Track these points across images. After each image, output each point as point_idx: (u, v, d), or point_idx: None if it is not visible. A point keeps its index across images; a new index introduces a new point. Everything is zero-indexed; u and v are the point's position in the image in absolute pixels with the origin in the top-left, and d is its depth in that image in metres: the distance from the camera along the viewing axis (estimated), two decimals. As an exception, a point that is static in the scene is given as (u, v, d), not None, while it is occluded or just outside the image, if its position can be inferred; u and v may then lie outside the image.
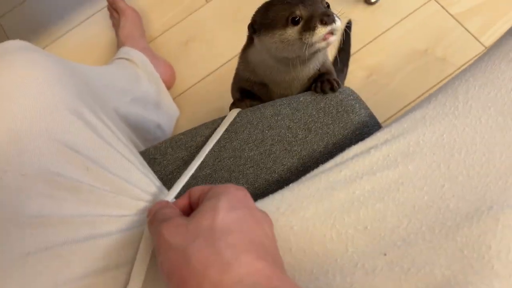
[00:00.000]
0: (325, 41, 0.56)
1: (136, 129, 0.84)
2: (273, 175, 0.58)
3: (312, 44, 0.56)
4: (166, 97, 1.08)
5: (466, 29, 1.14)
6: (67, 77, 0.57)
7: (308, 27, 0.55)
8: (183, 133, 0.64)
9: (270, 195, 0.47)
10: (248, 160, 0.59)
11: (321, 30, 0.55)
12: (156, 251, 0.35)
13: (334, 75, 0.65)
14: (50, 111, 0.51)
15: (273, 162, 0.59)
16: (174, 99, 1.16)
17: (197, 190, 0.40)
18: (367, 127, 0.59)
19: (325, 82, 0.62)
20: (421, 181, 0.41)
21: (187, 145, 0.62)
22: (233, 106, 0.68)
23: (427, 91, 1.12)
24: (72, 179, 0.48)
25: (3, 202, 0.45)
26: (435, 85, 1.12)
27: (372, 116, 0.60)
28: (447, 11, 1.17)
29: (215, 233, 0.33)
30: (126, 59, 1.03)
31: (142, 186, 0.53)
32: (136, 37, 1.13)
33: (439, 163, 0.42)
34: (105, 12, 1.27)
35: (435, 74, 1.13)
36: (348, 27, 1.15)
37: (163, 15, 1.28)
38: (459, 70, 1.12)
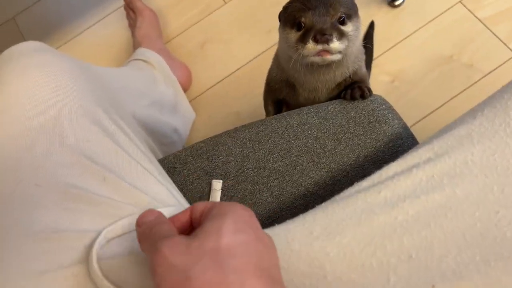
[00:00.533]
0: (319, 57, 0.54)
1: (153, 133, 0.81)
2: (299, 188, 0.55)
3: (304, 56, 0.55)
4: (183, 100, 1.05)
5: (494, 34, 1.10)
6: (84, 80, 0.54)
7: (304, 38, 0.54)
8: (203, 141, 0.61)
9: (301, 215, 0.43)
10: (273, 171, 0.56)
11: (310, 47, 0.53)
12: (152, 270, 0.32)
13: (368, 84, 0.62)
14: (67, 117, 0.49)
15: (300, 175, 0.55)
16: (190, 101, 1.13)
17: (199, 206, 0.37)
18: (401, 139, 0.55)
19: (356, 88, 0.59)
20: (472, 207, 0.37)
21: (208, 154, 0.59)
22: None
23: (452, 98, 1.08)
24: (89, 191, 0.45)
25: (16, 215, 0.42)
26: (460, 93, 1.08)
27: (405, 128, 0.57)
28: (474, 15, 1.12)
29: (220, 256, 0.30)
30: (143, 60, 1.01)
31: (161, 198, 0.50)
32: (153, 38, 1.10)
33: (492, 187, 0.38)
34: (122, 11, 1.25)
35: (461, 81, 1.09)
36: (370, 28, 1.12)
37: (181, 15, 1.25)
38: (487, 77, 1.07)
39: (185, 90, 1.11)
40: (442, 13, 1.14)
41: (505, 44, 1.09)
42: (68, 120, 0.48)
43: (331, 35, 0.52)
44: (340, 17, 0.55)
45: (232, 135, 0.60)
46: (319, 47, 0.53)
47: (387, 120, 0.56)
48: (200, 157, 0.59)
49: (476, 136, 0.42)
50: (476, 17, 1.12)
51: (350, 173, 0.54)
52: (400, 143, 0.55)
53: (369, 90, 0.59)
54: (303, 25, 0.55)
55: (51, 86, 0.50)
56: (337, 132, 0.56)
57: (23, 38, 1.29)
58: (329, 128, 0.57)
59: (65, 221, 0.42)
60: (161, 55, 1.05)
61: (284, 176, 0.56)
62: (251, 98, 1.15)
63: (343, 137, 0.56)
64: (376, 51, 1.12)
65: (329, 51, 0.54)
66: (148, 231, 0.34)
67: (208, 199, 0.56)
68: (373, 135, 0.56)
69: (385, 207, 0.39)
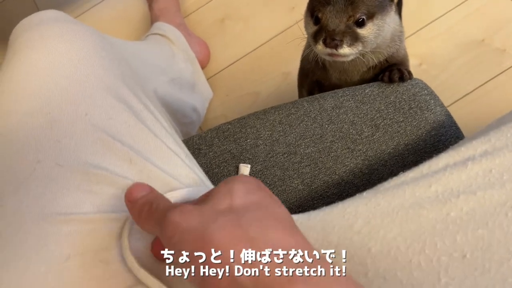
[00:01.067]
0: (330, 57, 0.53)
1: (173, 112, 0.78)
2: (333, 176, 0.52)
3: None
4: (201, 78, 1.01)
5: (530, 18, 1.04)
6: (108, 53, 0.51)
7: (316, 36, 0.52)
8: (230, 123, 0.57)
9: (340, 203, 0.40)
10: (305, 157, 0.53)
11: (320, 48, 0.51)
12: (166, 244, 0.29)
13: (408, 66, 0.58)
14: (90, 93, 0.45)
15: (334, 162, 0.52)
16: (207, 79, 1.10)
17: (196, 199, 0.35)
18: (444, 127, 0.52)
19: (395, 70, 0.55)
20: None
21: (235, 137, 0.55)
22: None
23: (482, 84, 1.03)
24: (113, 172, 0.42)
25: (36, 197, 0.39)
26: (491, 79, 1.03)
27: (448, 115, 0.53)
28: (509, -3, 1.07)
29: (235, 213, 0.28)
30: (161, 35, 0.97)
31: (188, 182, 0.47)
32: (171, 11, 1.06)
33: None
34: (138, -17, 1.20)
35: (492, 66, 1.04)
36: (399, 6, 1.06)
37: (200, -11, 1.20)
38: (520, 64, 1.02)
39: (202, 67, 1.08)
40: (476, -6, 1.08)
41: (541, 29, 1.03)
42: (91, 96, 0.45)
43: (341, 40, 0.50)
44: (359, 18, 0.51)
45: (261, 117, 0.56)
46: (328, 50, 0.51)
47: (429, 106, 0.52)
48: (226, 139, 0.55)
49: None
50: (512, 0, 1.06)
51: (389, 162, 0.51)
52: (443, 132, 0.51)
53: (409, 73, 0.55)
54: (320, 20, 0.52)
55: (73, 58, 0.47)
56: (375, 117, 0.53)
57: (37, 9, 1.25)
58: (366, 113, 0.53)
59: (88, 204, 0.39)
60: (179, 30, 1.01)
61: (316, 162, 0.52)
62: (271, 78, 1.11)
63: (382, 123, 0.52)
64: (405, 32, 1.07)
65: (338, 55, 0.52)
66: (148, 208, 0.32)
67: None
68: (414, 122, 0.52)
69: (435, 202, 0.36)
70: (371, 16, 0.51)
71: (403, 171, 0.41)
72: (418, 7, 1.09)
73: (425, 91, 0.54)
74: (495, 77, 1.03)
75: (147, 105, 0.51)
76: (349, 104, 0.54)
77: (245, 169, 0.53)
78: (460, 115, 1.02)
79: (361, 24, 0.51)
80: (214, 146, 0.55)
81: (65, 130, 0.43)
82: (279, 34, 1.14)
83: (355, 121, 0.53)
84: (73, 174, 0.41)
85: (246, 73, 1.13)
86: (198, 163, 0.54)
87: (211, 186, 0.50)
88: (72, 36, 0.49)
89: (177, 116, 0.81)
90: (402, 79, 0.54)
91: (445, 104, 1.02)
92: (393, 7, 0.54)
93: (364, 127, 0.53)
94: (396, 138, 0.51)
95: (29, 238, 0.37)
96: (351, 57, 0.52)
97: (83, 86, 0.46)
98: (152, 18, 1.08)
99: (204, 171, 0.53)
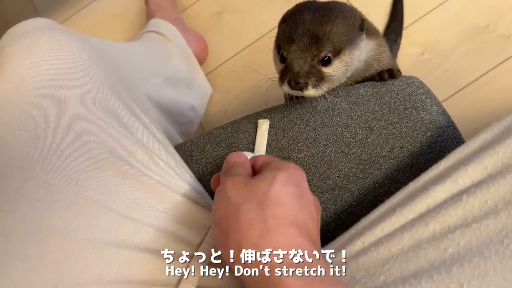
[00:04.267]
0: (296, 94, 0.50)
1: (169, 114, 0.77)
2: (327, 181, 0.51)
3: None
4: (198, 74, 1.00)
5: (536, 2, 1.01)
6: (96, 62, 0.50)
7: (283, 76, 0.49)
8: (222, 128, 0.56)
9: (343, 251, 0.40)
10: (298, 162, 0.52)
11: (286, 89, 0.49)
12: (215, 198, 0.38)
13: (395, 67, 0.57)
14: (77, 106, 0.45)
15: (327, 166, 0.51)
16: (206, 75, 1.08)
17: (260, 159, 0.42)
18: (440, 128, 0.50)
19: (383, 71, 0.54)
20: None
21: (227, 142, 0.54)
22: None
23: (487, 72, 1.01)
24: (104, 190, 0.42)
25: (23, 219, 0.39)
26: (496, 66, 1.01)
27: (445, 115, 0.51)
28: (514, -19, 1.03)
29: (267, 200, 0.35)
30: (156, 32, 0.95)
31: (182, 191, 0.46)
32: (167, 7, 1.04)
33: None
34: (134, -21, 1.18)
35: (497, 53, 1.01)
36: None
37: (196, -18, 1.18)
38: (525, 50, 0.99)
39: (201, 63, 1.06)
40: (479, -22, 1.05)
41: (547, 13, 1.00)
42: (78, 110, 0.44)
43: (306, 83, 0.48)
44: (324, 57, 0.48)
45: (253, 121, 0.55)
46: (294, 92, 0.49)
47: (425, 106, 0.51)
48: (218, 145, 0.54)
49: None
50: (516, -17, 1.03)
51: (384, 165, 0.50)
52: (439, 133, 0.50)
53: (398, 71, 0.54)
54: (285, 59, 0.49)
55: (60, 70, 0.46)
56: (369, 119, 0.51)
57: (34, 7, 1.24)
58: (360, 115, 0.52)
59: (77, 228, 0.39)
60: (175, 26, 0.99)
61: (309, 167, 0.51)
62: (271, 72, 1.09)
63: (376, 125, 0.51)
64: (406, 20, 1.04)
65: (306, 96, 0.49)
66: (228, 168, 0.41)
67: None
68: (410, 123, 0.50)
69: (433, 240, 0.36)
70: (337, 52, 0.48)
71: (399, 209, 0.40)
72: (420, -7, 1.06)
73: (421, 90, 0.52)
74: (500, 63, 1.00)
75: (138, 114, 0.50)
76: (342, 106, 0.53)
77: (264, 124, 0.54)
78: (465, 104, 1.00)
79: (326, 62, 0.48)
80: (206, 152, 0.54)
81: (52, 146, 0.42)
82: (278, 26, 1.12)
83: (348, 124, 0.52)
84: (62, 194, 0.40)
85: (245, 66, 1.12)
86: (191, 170, 0.53)
87: (204, 195, 0.50)
88: (58, 46, 0.48)
89: (175, 116, 0.80)
90: (393, 76, 0.53)
91: (449, 94, 1.00)
92: (363, 36, 0.51)
93: (358, 129, 0.51)
94: (391, 140, 0.50)
95: (15, 261, 0.37)
96: (321, 93, 0.50)
97: (70, 99, 0.45)
98: (148, 13, 1.07)
99: (197, 178, 0.52)
